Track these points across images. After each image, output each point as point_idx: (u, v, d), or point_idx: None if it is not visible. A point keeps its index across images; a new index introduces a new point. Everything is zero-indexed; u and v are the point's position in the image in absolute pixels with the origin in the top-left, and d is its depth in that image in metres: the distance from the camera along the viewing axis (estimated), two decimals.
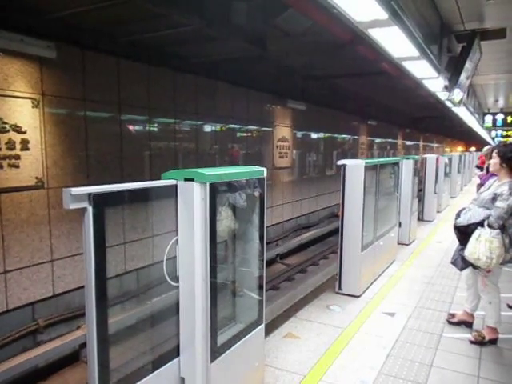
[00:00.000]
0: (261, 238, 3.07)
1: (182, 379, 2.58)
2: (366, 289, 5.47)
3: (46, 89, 5.60)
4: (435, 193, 10.93)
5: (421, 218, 10.42)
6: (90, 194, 1.96)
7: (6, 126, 5.17)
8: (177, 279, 2.53)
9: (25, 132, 5.39)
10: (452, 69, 7.29)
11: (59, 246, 5.87)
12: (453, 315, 4.56)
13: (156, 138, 7.53)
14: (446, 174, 12.54)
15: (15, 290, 5.40)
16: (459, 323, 4.43)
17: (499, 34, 7.10)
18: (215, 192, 2.49)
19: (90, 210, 1.97)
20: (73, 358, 5.55)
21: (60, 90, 5.77)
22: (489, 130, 23.10)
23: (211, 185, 2.43)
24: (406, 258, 7.14)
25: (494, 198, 3.83)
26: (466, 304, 4.44)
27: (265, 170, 2.98)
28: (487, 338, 4.06)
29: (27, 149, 5.43)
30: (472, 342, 4.07)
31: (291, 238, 11.52)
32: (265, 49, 6.80)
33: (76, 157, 6.03)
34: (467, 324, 4.38)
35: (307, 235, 11.88)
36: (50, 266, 5.80)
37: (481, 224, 3.80)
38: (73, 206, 1.91)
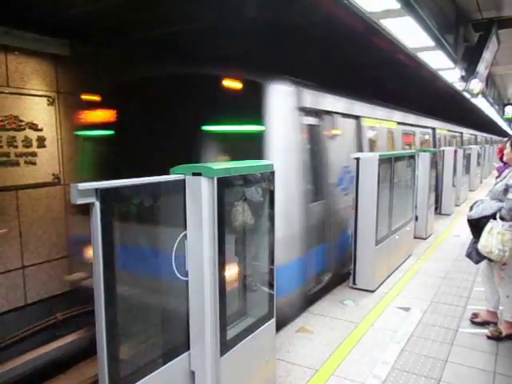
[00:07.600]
0: (271, 232, 3.06)
1: (192, 373, 2.59)
2: (381, 283, 5.42)
3: (61, 86, 5.67)
4: (453, 186, 10.74)
5: (439, 212, 10.26)
6: (97, 189, 1.97)
7: (22, 123, 5.27)
8: (186, 274, 2.54)
9: (41, 129, 5.49)
10: (469, 59, 7.10)
11: None
12: (476, 315, 4.39)
13: None
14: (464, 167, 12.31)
15: (33, 284, 5.52)
16: (483, 323, 4.25)
17: None
18: (223, 186, 2.49)
19: (98, 205, 1.98)
20: (90, 351, 5.64)
21: (75, 88, 5.83)
22: (509, 121, 22.56)
23: (219, 179, 2.42)
24: (422, 252, 7.05)
25: (506, 190, 3.74)
26: (486, 303, 4.28)
27: (274, 163, 2.96)
28: (505, 333, 3.97)
29: (43, 146, 5.53)
30: (489, 338, 3.99)
31: None
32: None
33: None
34: (492, 324, 4.19)
35: None
36: (68, 261, 5.90)
37: (493, 217, 3.71)
38: (80, 201, 1.92)
